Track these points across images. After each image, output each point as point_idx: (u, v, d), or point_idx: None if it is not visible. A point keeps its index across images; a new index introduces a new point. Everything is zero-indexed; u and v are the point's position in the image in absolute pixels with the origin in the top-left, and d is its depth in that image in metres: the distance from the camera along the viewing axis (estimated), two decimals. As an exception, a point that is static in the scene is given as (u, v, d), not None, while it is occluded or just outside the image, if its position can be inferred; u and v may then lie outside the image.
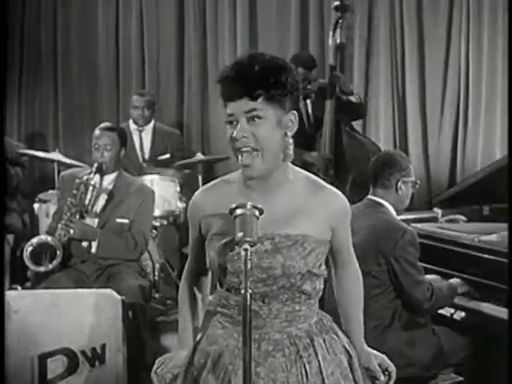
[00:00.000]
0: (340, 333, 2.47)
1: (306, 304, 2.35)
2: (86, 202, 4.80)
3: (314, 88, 5.62)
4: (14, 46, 7.95)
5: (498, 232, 4.13)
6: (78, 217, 4.78)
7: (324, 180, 2.42)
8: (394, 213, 3.89)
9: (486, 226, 4.46)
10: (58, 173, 5.78)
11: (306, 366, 2.31)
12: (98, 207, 4.88)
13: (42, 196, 6.35)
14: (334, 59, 5.41)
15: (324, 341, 2.37)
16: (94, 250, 4.79)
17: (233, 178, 2.42)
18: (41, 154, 6.67)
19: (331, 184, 2.43)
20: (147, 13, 7.82)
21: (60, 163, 6.38)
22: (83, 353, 4.04)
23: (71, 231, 4.74)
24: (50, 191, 6.39)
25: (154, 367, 2.51)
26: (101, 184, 4.90)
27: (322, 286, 2.40)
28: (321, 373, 2.32)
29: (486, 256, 3.97)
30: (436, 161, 6.58)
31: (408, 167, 3.93)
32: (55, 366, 4.03)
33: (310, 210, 2.31)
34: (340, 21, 5.35)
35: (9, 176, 6.19)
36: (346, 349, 2.43)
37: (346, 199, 2.41)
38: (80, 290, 4.34)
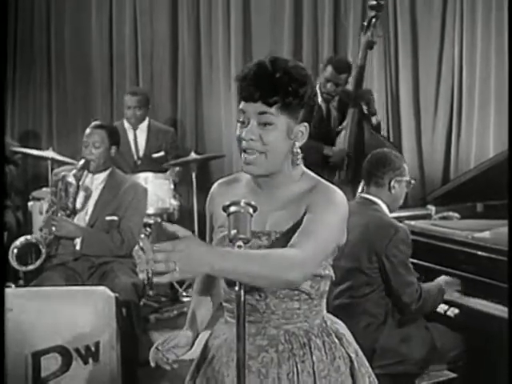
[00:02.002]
0: (347, 339, 2.42)
1: (307, 303, 2.32)
2: (65, 198, 4.79)
3: (338, 91, 5.69)
4: (8, 43, 7.93)
5: (492, 229, 4.14)
6: (60, 214, 4.77)
7: (338, 176, 2.41)
8: (386, 211, 3.90)
9: (479, 223, 4.47)
10: (52, 171, 5.78)
11: (299, 364, 2.29)
12: (89, 205, 4.88)
13: (35, 194, 6.35)
14: (362, 58, 5.46)
15: (323, 343, 2.34)
16: (77, 247, 4.79)
17: (245, 175, 2.42)
18: (34, 151, 6.66)
19: (343, 180, 2.41)
20: (141, 12, 7.81)
21: (53, 161, 6.38)
22: (77, 350, 4.02)
23: (53, 228, 4.74)
24: (44, 189, 6.38)
25: (156, 343, 2.44)
26: (92, 182, 4.90)
27: (326, 288, 2.37)
28: (314, 373, 2.30)
29: (479, 253, 3.97)
30: (430, 158, 6.59)
31: (402, 166, 3.93)
32: (49, 363, 4.02)
33: (298, 202, 2.30)
34: (373, 20, 5.41)
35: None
36: (349, 355, 2.38)
37: (339, 193, 2.30)
38: (73, 288, 4.35)
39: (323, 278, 2.33)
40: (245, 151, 2.24)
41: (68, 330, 4.03)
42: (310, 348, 2.32)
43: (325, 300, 2.41)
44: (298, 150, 2.29)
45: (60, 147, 7.42)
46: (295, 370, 2.29)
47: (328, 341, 2.36)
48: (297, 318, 2.32)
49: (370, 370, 2.47)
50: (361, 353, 2.45)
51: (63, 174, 4.81)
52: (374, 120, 5.54)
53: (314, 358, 2.31)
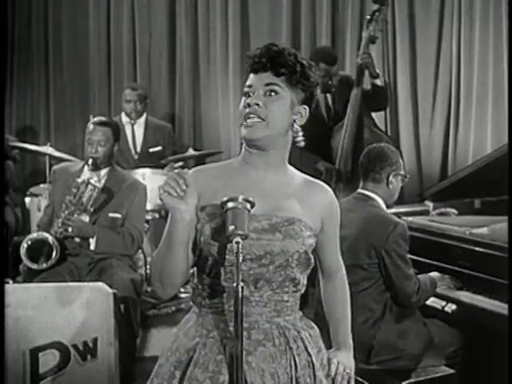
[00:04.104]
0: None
1: (293, 296, 2.34)
2: (84, 200, 4.78)
3: (335, 82, 5.61)
4: (7, 38, 7.92)
5: (489, 225, 4.15)
6: (76, 215, 4.77)
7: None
8: (384, 206, 3.90)
9: (477, 219, 4.48)
10: (50, 167, 5.76)
11: (296, 358, 2.30)
12: (91, 202, 4.87)
13: (33, 190, 6.34)
14: (364, 53, 5.40)
15: (310, 335, 2.38)
16: (92, 247, 4.78)
17: (231, 160, 2.45)
18: (32, 147, 6.65)
19: (336, 196, 2.48)
20: (139, 7, 7.80)
21: (51, 157, 6.37)
22: (75, 347, 4.04)
23: (69, 229, 4.73)
24: (42, 185, 6.38)
25: None
26: (99, 180, 4.89)
27: (305, 282, 2.39)
28: (311, 366, 2.33)
29: (476, 249, 3.97)
30: (427, 154, 6.59)
31: (398, 161, 3.93)
32: (47, 359, 4.03)
33: (304, 199, 2.35)
34: (376, 13, 5.36)
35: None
36: (323, 346, 2.44)
37: (335, 197, 2.46)
38: (71, 284, 4.35)
39: (309, 266, 2.36)
40: (248, 117, 2.27)
41: (66, 326, 4.04)
42: (303, 341, 2.34)
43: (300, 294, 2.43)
44: (299, 128, 2.35)
45: (58, 142, 7.42)
46: (293, 363, 2.30)
47: (312, 333, 2.40)
48: (286, 310, 2.34)
49: None
50: None
51: (88, 176, 4.79)
52: (378, 82, 5.44)
53: (310, 350, 2.34)
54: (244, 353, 2.13)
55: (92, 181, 4.78)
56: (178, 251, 2.26)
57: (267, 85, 2.28)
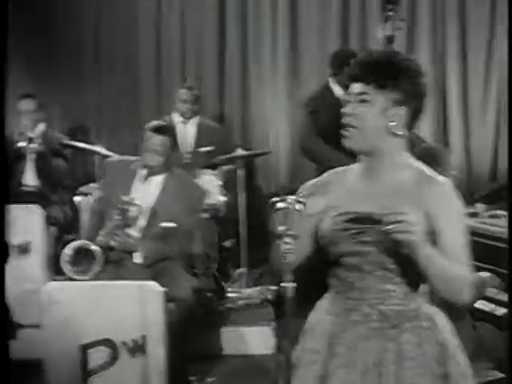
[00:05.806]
0: (442, 327, 2.46)
1: (401, 287, 2.39)
2: (130, 219, 4.74)
3: None
4: (57, 43, 7.99)
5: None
6: (122, 230, 4.71)
7: None
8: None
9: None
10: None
11: (388, 343, 2.37)
12: (146, 210, 4.80)
13: (83, 189, 6.38)
14: None
15: (413, 327, 2.40)
16: (138, 260, 4.72)
17: (353, 165, 2.56)
18: (84, 145, 6.68)
19: None
20: (189, 8, 7.83)
21: (102, 156, 6.41)
22: (124, 344, 4.07)
23: (112, 243, 4.67)
24: (91, 184, 6.41)
25: None
26: (150, 184, 4.87)
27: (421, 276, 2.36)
28: (400, 352, 2.37)
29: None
30: (478, 156, 6.54)
31: (448, 160, 3.91)
32: (96, 356, 4.08)
33: (410, 197, 2.37)
34: (390, 13, 5.32)
35: (52, 168, 6.28)
36: (440, 342, 2.42)
37: (451, 188, 2.42)
38: (121, 282, 4.38)
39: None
40: (344, 127, 2.42)
41: (115, 323, 4.07)
42: (400, 330, 2.39)
43: (423, 288, 2.43)
44: (400, 132, 2.41)
45: (108, 143, 7.46)
46: (383, 347, 2.38)
47: (418, 325, 2.41)
48: (391, 299, 2.40)
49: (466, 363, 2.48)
50: (456, 344, 2.49)
51: (132, 196, 4.73)
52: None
53: (403, 339, 2.38)
54: (339, 330, 2.43)
55: (136, 201, 4.73)
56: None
57: (358, 94, 2.41)
